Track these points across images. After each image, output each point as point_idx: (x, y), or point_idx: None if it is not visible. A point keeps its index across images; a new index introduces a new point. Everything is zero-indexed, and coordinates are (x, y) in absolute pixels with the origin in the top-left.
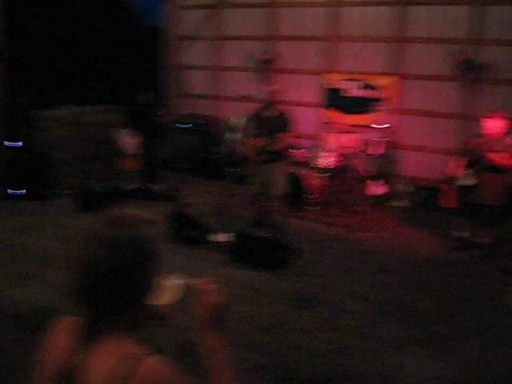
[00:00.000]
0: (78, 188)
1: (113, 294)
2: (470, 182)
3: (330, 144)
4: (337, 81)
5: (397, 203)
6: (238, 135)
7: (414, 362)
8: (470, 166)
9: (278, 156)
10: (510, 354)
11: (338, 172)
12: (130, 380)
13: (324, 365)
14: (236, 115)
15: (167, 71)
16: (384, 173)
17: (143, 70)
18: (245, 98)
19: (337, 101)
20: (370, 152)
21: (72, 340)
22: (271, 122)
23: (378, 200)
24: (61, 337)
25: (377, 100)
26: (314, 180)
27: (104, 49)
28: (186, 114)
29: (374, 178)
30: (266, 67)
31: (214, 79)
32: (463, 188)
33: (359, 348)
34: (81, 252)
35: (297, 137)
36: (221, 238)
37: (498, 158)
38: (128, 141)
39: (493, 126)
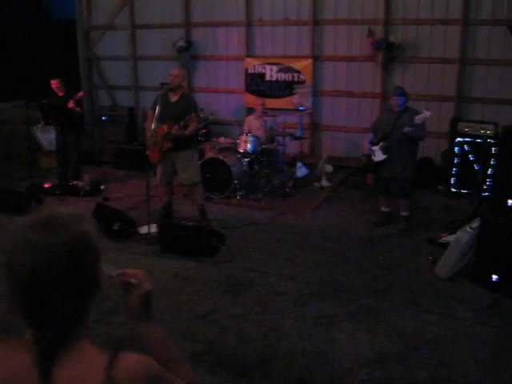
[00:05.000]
0: None
1: (61, 302)
2: (377, 158)
3: (251, 128)
4: (256, 65)
5: (319, 183)
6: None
7: (344, 336)
8: (377, 142)
9: (186, 142)
10: (439, 321)
11: (259, 156)
12: None
13: (257, 347)
14: None
15: (85, 63)
16: (305, 154)
17: (60, 63)
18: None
19: (258, 85)
20: (289, 134)
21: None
22: (175, 107)
23: (300, 181)
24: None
25: (295, 83)
26: (237, 165)
27: (15, 43)
28: (107, 106)
29: (296, 160)
30: (185, 54)
31: (133, 69)
32: (375, 164)
33: (290, 328)
34: (11, 260)
35: (222, 123)
36: (145, 229)
37: (409, 129)
38: (44, 136)
39: (398, 101)
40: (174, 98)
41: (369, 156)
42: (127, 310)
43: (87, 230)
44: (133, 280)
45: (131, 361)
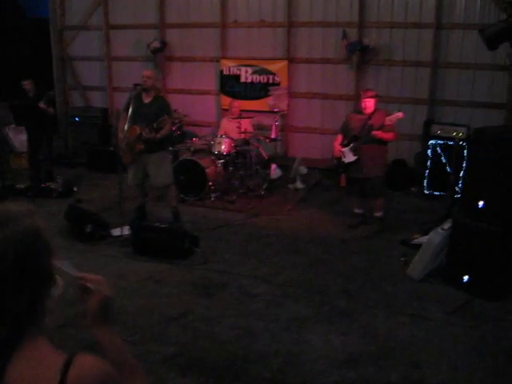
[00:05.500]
0: None
1: (13, 297)
2: (348, 159)
3: (226, 130)
4: (231, 67)
5: (293, 185)
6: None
7: (316, 338)
8: (348, 143)
9: (158, 144)
10: (412, 322)
11: (234, 158)
12: None
13: (229, 350)
14: None
15: (58, 64)
16: (279, 156)
17: (33, 63)
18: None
19: (233, 87)
20: (264, 136)
21: None
22: (148, 108)
23: (275, 183)
24: None
25: (270, 85)
26: (212, 167)
27: None
28: (80, 107)
29: (270, 161)
30: (159, 56)
31: (107, 70)
32: (346, 165)
33: (263, 330)
34: None
35: (197, 125)
36: (118, 231)
37: (378, 132)
38: (16, 137)
39: (369, 103)
40: (147, 99)
41: (339, 158)
42: (88, 313)
43: (36, 225)
44: (91, 285)
45: (86, 364)
